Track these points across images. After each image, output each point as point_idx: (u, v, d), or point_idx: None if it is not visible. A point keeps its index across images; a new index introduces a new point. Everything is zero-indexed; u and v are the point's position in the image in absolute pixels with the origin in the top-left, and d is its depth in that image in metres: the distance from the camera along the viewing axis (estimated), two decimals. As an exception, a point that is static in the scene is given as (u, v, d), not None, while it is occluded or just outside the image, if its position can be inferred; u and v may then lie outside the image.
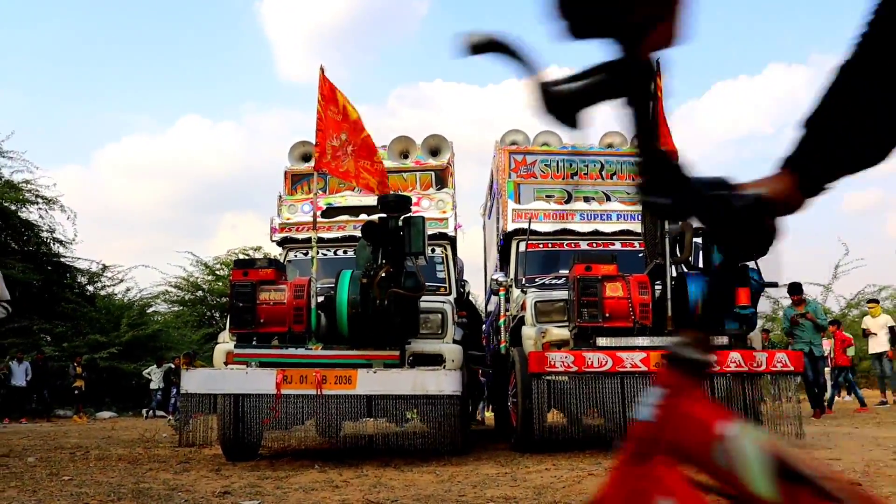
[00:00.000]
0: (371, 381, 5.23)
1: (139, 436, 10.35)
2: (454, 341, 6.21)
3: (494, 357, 9.61)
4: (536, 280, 7.70)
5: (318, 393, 5.20)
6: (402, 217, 5.56)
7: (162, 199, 55.55)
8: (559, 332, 6.11)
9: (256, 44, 60.57)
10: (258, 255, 30.18)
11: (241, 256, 30.28)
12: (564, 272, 7.87)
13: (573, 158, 8.72)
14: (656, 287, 5.97)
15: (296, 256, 7.98)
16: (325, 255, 7.97)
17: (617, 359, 5.42)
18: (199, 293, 29.95)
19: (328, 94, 6.03)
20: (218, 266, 30.22)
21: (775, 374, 5.45)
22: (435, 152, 8.75)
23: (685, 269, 5.95)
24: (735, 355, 5.43)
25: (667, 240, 5.71)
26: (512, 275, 7.86)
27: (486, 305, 11.52)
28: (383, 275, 5.37)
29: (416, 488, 4.25)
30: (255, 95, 62.05)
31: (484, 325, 10.57)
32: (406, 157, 8.73)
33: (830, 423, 9.12)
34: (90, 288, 24.38)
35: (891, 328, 13.79)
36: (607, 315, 5.61)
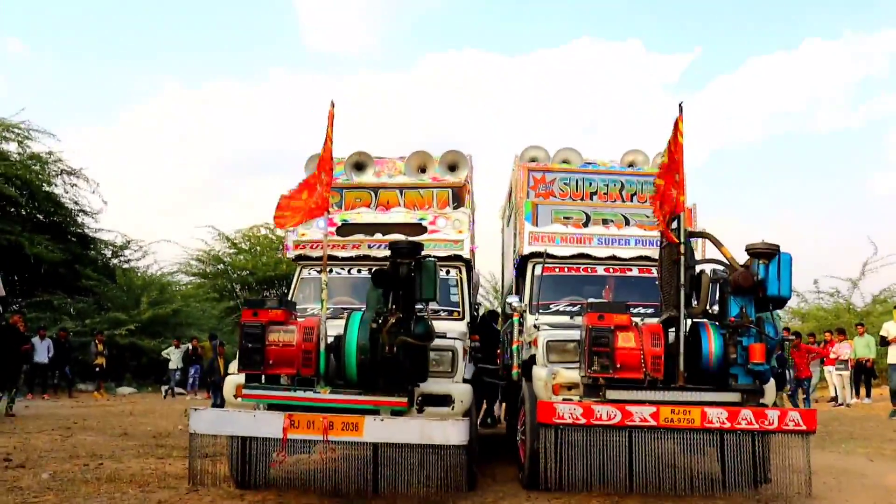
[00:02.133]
0: (378, 429, 5.23)
1: (155, 432, 10.50)
2: (464, 380, 6.19)
3: (508, 373, 9.62)
4: (551, 306, 7.65)
5: (325, 439, 5.21)
6: (414, 261, 5.50)
7: (188, 162, 55.74)
8: (570, 375, 6.06)
9: (284, 8, 59.92)
10: (279, 231, 30.32)
11: (264, 230, 30.35)
12: (579, 298, 7.83)
13: (592, 177, 8.59)
14: (670, 333, 5.89)
15: (310, 274, 7.96)
16: (340, 273, 7.96)
17: (626, 412, 5.38)
18: (221, 266, 30.19)
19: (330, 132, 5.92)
20: (239, 239, 30.39)
21: (787, 434, 5.37)
22: (453, 168, 8.66)
23: (701, 320, 5.85)
24: (746, 412, 5.36)
25: (682, 291, 5.61)
26: (527, 299, 7.80)
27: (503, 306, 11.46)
28: (393, 322, 5.33)
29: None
30: (283, 60, 61.61)
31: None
32: (423, 171, 8.64)
33: (842, 450, 9.02)
34: (114, 261, 24.65)
35: None
36: (618, 366, 5.54)
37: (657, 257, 7.86)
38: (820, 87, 53.79)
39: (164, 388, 19.96)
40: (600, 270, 7.96)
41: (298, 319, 5.82)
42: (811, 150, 52.16)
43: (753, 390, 5.56)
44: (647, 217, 8.30)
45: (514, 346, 8.14)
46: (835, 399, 16.97)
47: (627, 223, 8.25)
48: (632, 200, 8.52)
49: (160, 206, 50.97)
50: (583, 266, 7.99)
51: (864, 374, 17.04)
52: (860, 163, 49.97)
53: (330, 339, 5.61)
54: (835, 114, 52.82)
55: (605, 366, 5.54)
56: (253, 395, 5.52)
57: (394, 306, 5.51)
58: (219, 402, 13.02)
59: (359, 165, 8.71)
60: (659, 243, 6.34)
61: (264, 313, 5.60)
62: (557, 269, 7.91)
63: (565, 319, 7.29)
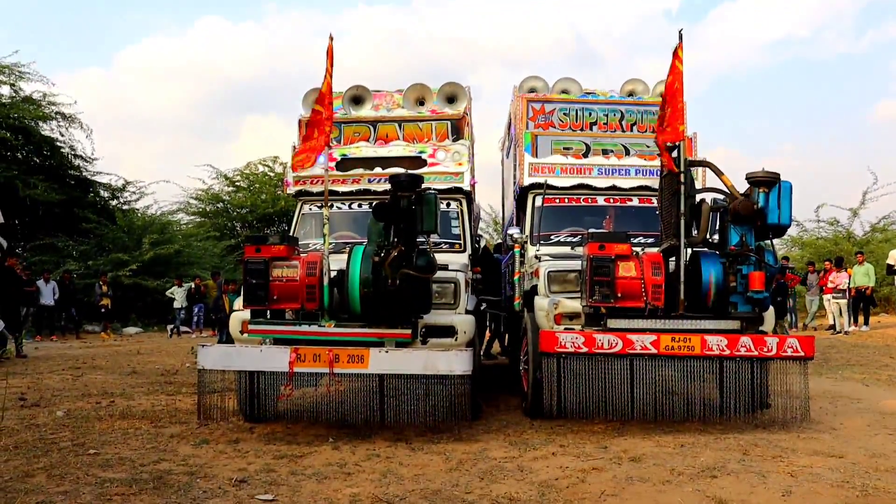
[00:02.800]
0: (383, 361, 5.31)
1: (163, 369, 10.68)
2: (467, 311, 6.25)
3: (509, 304, 9.71)
4: (552, 237, 7.67)
5: (331, 372, 5.30)
6: (415, 194, 5.49)
7: (183, 101, 55.09)
8: (571, 305, 6.13)
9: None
10: (277, 167, 30.19)
11: (261, 168, 30.24)
12: (580, 229, 7.85)
13: (592, 107, 8.51)
14: (670, 262, 5.93)
15: (311, 210, 7.97)
16: (341, 208, 7.96)
17: (627, 341, 5.45)
18: (220, 205, 30.18)
19: (330, 66, 5.84)
20: (238, 177, 30.30)
21: (785, 360, 5.46)
22: (451, 100, 8.57)
23: (701, 249, 5.87)
24: (746, 340, 5.43)
25: (683, 220, 5.62)
26: (528, 230, 7.82)
27: (504, 237, 11.49)
28: (395, 255, 5.36)
29: (425, 479, 4.39)
30: (274, -5, 60.20)
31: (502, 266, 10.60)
32: (422, 104, 8.56)
33: (839, 376, 9.17)
34: (113, 203, 24.62)
35: None
36: (619, 295, 5.59)
37: (657, 187, 7.89)
38: (825, 12, 52.64)
39: (169, 327, 20.18)
40: (601, 201, 7.96)
41: (301, 255, 5.85)
42: (814, 78, 51.47)
43: (753, 318, 5.62)
44: (648, 147, 8.28)
45: (516, 278, 8.19)
46: (833, 327, 17.17)
47: (627, 153, 8.21)
48: (632, 130, 8.46)
49: (158, 146, 50.56)
50: (583, 197, 7.98)
51: (862, 303, 17.19)
52: (864, 90, 49.33)
53: (333, 274, 5.65)
54: (839, 39, 51.83)
55: (606, 295, 5.59)
56: (258, 331, 5.59)
57: (395, 239, 5.53)
58: (224, 339, 13.21)
59: (356, 99, 8.63)
60: (659, 173, 6.31)
61: (267, 249, 5.63)
62: (558, 200, 7.90)
63: (566, 250, 7.33)
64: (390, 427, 5.65)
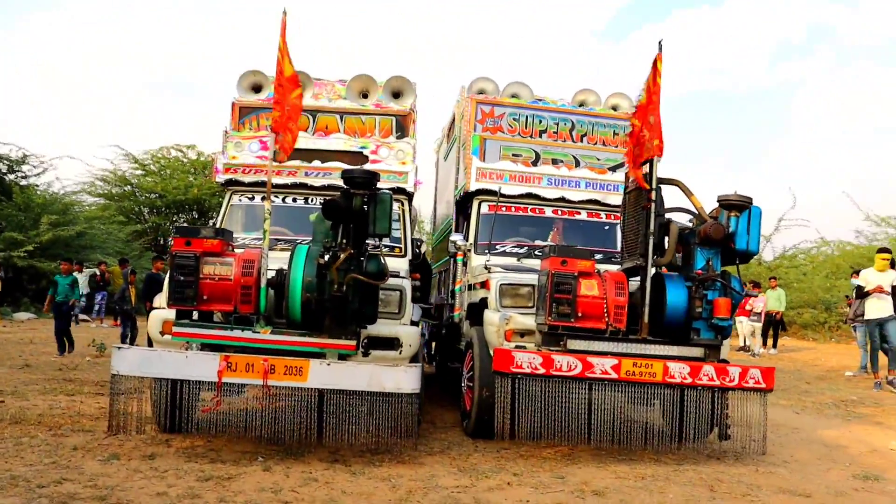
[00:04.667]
0: (324, 374, 4.80)
1: (60, 363, 9.74)
2: (411, 322, 5.82)
3: (439, 310, 9.32)
4: (497, 247, 7.32)
5: (265, 384, 4.76)
6: (369, 193, 5.01)
7: (95, 77, 52.21)
8: (523, 321, 5.78)
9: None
10: (191, 154, 28.83)
11: (175, 153, 28.77)
12: (525, 240, 7.54)
13: (543, 115, 8.22)
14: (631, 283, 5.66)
15: (240, 201, 7.35)
16: (274, 201, 7.36)
17: (587, 364, 5.13)
18: (128, 188, 28.55)
19: (284, 45, 5.30)
20: (148, 160, 28.74)
21: (746, 390, 5.26)
22: (396, 95, 8.07)
23: (664, 271, 5.63)
24: (708, 368, 5.21)
25: (651, 240, 5.35)
26: (472, 238, 7.45)
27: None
28: (344, 258, 4.87)
29: (371, 511, 3.93)
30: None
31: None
32: (366, 97, 8.04)
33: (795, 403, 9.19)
34: (11, 177, 22.82)
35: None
36: (580, 314, 5.28)
37: (607, 202, 7.66)
38: (741, 44, 54.86)
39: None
40: (548, 212, 7.66)
41: (236, 251, 5.27)
42: (721, 108, 53.42)
43: (715, 345, 5.41)
44: (598, 160, 8.06)
45: (457, 287, 7.81)
46: (744, 348, 17.56)
47: (577, 164, 7.94)
48: (582, 141, 8.20)
49: (61, 120, 47.79)
50: (531, 206, 7.67)
51: (772, 326, 17.66)
52: (769, 124, 51.54)
53: (270, 274, 5.11)
54: (752, 73, 54.09)
55: (566, 314, 5.27)
56: (184, 334, 4.98)
57: (343, 241, 5.03)
58: (127, 333, 12.26)
59: (297, 86, 8.02)
60: (624, 188, 6.05)
61: (198, 243, 5.03)
62: (504, 209, 7.56)
63: (513, 261, 7.01)
64: (325, 445, 5.15)
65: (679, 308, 5.39)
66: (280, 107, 5.27)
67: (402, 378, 4.87)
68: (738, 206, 5.36)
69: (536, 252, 7.21)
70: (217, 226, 7.13)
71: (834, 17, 52.49)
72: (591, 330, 5.32)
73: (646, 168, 5.45)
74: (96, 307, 19.04)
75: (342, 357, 5.01)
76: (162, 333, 5.47)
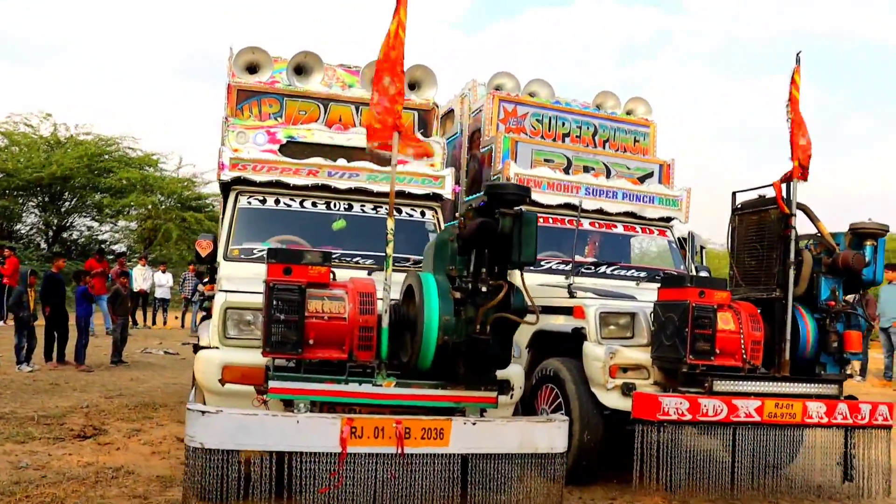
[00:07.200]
0: (469, 436, 3.90)
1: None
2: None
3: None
4: (543, 264, 6.61)
5: (400, 451, 3.78)
6: (515, 213, 4.10)
7: None
8: (632, 355, 5.13)
9: None
10: (45, 124, 24.98)
11: (23, 126, 25.06)
12: (560, 254, 6.86)
13: (566, 117, 7.59)
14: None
15: (250, 204, 6.13)
16: (290, 205, 6.25)
17: (732, 406, 4.60)
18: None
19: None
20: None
21: (875, 428, 4.95)
22: (413, 86, 7.11)
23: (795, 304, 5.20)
24: (843, 406, 4.84)
25: (791, 270, 4.88)
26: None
27: None
28: (502, 296, 3.95)
29: None
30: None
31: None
32: (378, 86, 7.03)
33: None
34: None
35: None
36: (718, 351, 4.73)
37: (644, 215, 7.16)
38: (588, 44, 57.04)
39: None
40: (585, 224, 7.03)
41: (338, 279, 4.19)
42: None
43: (841, 381, 5.06)
44: (629, 168, 7.54)
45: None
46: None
47: (608, 174, 7.36)
48: (604, 147, 7.65)
49: None
50: (568, 217, 7.01)
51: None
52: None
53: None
54: (597, 73, 56.43)
55: (705, 351, 4.69)
56: (288, 390, 3.86)
57: (484, 271, 4.08)
58: (23, 344, 10.21)
59: (300, 69, 6.85)
60: (733, 208, 5.53)
61: (302, 271, 3.92)
62: (541, 220, 6.83)
63: (563, 279, 6.33)
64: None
65: (812, 342, 4.98)
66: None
67: (555, 436, 4.08)
68: (873, 234, 5.02)
69: (583, 269, 6.60)
70: (226, 234, 5.96)
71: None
72: (731, 368, 4.78)
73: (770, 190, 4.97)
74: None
75: (482, 411, 4.12)
76: (222, 382, 4.31)
